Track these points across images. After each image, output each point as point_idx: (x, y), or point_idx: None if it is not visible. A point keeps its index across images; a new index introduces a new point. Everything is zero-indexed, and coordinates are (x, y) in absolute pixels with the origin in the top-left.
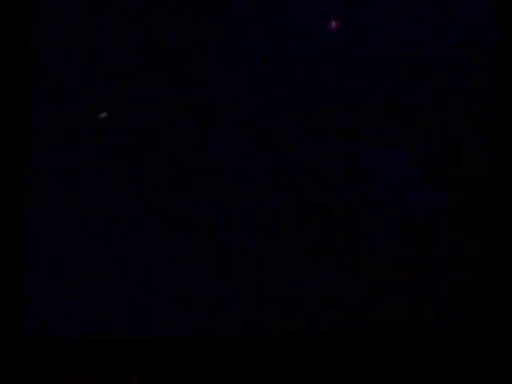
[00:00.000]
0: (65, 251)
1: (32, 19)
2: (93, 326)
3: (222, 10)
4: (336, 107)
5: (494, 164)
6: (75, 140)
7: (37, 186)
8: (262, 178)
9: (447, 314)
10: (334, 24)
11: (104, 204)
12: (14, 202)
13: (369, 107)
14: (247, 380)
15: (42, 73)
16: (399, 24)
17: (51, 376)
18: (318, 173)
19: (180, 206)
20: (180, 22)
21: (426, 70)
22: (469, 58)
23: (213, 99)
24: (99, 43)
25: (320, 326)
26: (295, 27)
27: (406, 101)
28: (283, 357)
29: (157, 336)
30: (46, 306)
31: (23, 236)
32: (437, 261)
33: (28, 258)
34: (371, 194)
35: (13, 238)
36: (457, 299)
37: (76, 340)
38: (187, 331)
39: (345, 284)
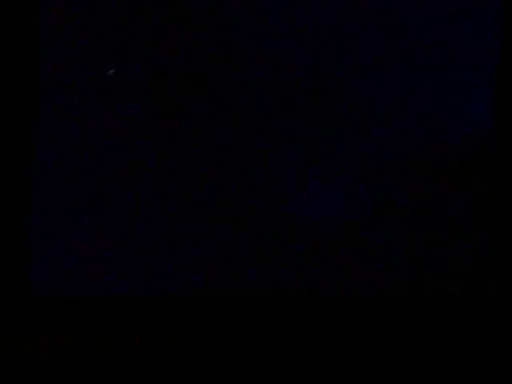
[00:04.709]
0: (66, 212)
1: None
2: (93, 285)
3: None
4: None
5: None
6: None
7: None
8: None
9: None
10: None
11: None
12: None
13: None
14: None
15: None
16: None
17: (51, 335)
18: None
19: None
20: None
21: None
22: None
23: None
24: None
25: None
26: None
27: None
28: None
29: (156, 294)
30: (49, 265)
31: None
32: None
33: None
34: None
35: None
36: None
37: (78, 299)
38: (188, 289)
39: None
